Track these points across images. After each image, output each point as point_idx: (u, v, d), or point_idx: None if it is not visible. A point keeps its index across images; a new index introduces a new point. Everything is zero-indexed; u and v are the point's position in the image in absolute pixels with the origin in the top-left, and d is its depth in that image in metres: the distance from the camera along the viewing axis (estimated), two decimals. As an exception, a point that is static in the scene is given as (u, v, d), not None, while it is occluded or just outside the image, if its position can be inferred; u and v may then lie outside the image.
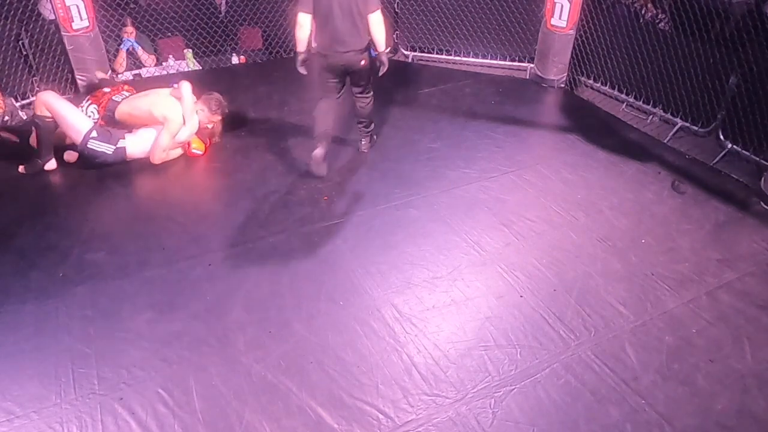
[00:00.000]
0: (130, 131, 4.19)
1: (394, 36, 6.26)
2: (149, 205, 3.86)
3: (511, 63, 6.03)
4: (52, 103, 3.95)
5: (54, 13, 4.94)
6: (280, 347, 2.82)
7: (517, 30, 5.83)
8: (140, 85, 4.70)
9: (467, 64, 6.13)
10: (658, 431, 2.49)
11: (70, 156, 4.16)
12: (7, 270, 3.24)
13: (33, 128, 4.10)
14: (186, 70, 5.87)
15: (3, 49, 4.76)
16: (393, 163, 4.35)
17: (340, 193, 3.99)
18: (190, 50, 5.89)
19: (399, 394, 2.62)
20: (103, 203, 3.86)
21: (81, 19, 5.01)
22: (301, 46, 4.02)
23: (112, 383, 2.62)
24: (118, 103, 4.21)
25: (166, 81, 4.78)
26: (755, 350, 2.88)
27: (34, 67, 5.03)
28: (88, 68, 5.22)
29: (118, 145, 4.09)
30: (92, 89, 4.69)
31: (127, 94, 4.33)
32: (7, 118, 4.71)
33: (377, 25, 3.90)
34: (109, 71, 5.43)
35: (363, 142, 4.53)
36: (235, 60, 6.12)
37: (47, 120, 3.99)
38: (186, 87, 4.18)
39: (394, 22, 6.15)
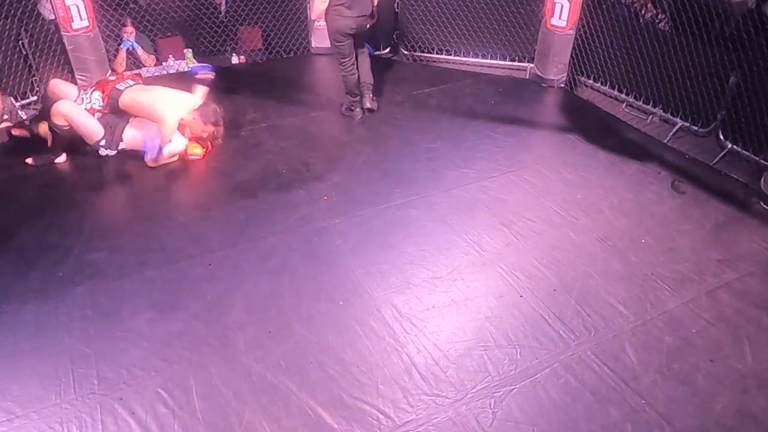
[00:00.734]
0: (130, 122, 4.25)
1: (394, 36, 6.26)
2: (149, 205, 3.86)
3: (511, 63, 6.03)
4: (71, 114, 4.09)
5: (54, 12, 4.94)
6: (280, 347, 2.82)
7: (517, 30, 5.83)
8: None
9: (467, 64, 6.13)
10: (658, 431, 2.49)
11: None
12: (7, 270, 3.25)
13: (50, 134, 4.21)
14: (186, 69, 5.87)
15: (3, 48, 4.76)
16: (393, 163, 4.35)
17: (340, 193, 3.99)
18: (190, 50, 5.89)
19: (399, 394, 2.62)
20: (103, 203, 3.87)
21: (81, 19, 5.02)
22: (316, 14, 4.94)
23: (112, 383, 2.62)
24: (122, 91, 4.23)
25: (167, 81, 4.77)
26: (755, 350, 2.88)
27: (34, 67, 5.03)
28: (88, 68, 5.22)
29: (119, 148, 4.29)
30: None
31: (131, 83, 4.34)
32: (6, 117, 4.71)
33: None
34: (109, 71, 5.43)
35: (370, 98, 4.99)
36: (235, 60, 6.12)
37: (64, 129, 4.12)
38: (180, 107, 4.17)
39: (394, 21, 6.16)
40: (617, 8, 5.36)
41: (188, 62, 5.89)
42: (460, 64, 6.16)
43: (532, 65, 5.86)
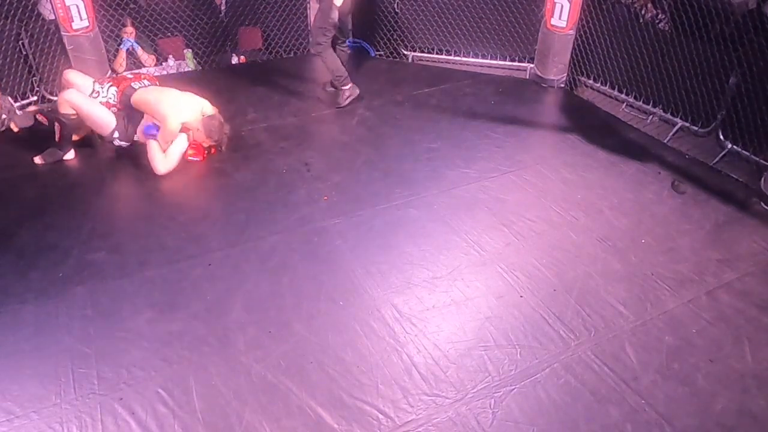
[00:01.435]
0: (146, 117, 4.25)
1: (394, 36, 6.26)
2: (149, 205, 3.86)
3: (511, 63, 6.03)
4: (78, 102, 4.08)
5: (54, 12, 4.94)
6: (280, 347, 2.82)
7: (517, 30, 5.83)
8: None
9: (467, 64, 6.13)
10: (658, 431, 2.49)
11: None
12: (7, 270, 3.24)
13: (57, 125, 4.21)
14: (186, 70, 5.87)
15: (3, 48, 4.76)
16: (393, 163, 4.35)
17: (340, 193, 3.99)
18: (190, 50, 5.89)
19: (399, 394, 2.62)
20: (103, 203, 3.86)
21: (81, 19, 5.01)
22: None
23: (112, 383, 2.62)
24: (135, 90, 4.25)
25: (167, 81, 4.77)
26: (755, 350, 2.88)
27: (34, 67, 5.03)
28: (88, 68, 5.21)
29: (134, 140, 4.29)
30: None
31: (147, 83, 4.35)
32: (4, 116, 4.71)
33: None
34: (109, 71, 5.43)
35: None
36: (235, 60, 6.12)
37: (72, 117, 4.12)
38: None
39: (394, 22, 6.16)
40: (617, 8, 5.36)
41: (188, 62, 5.89)
42: (460, 64, 6.16)
43: (532, 65, 5.86)
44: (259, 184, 4.08)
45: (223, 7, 6.03)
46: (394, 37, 6.23)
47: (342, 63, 5.11)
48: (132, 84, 4.28)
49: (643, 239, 3.62)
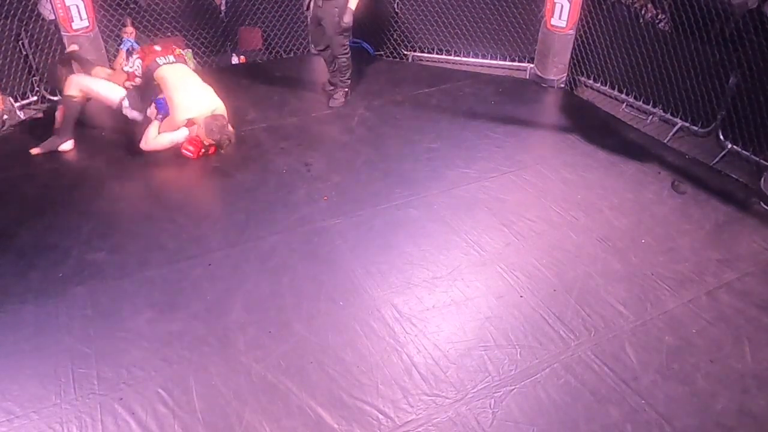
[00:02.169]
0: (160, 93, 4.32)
1: (394, 36, 6.26)
2: (149, 205, 3.86)
3: (510, 63, 6.03)
4: (85, 81, 4.27)
5: (54, 13, 4.94)
6: (280, 347, 2.82)
7: (516, 30, 5.83)
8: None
9: (467, 64, 6.13)
10: (658, 431, 2.49)
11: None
12: (7, 270, 3.25)
13: (59, 110, 4.31)
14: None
15: (3, 48, 4.77)
16: (393, 163, 4.35)
17: (340, 193, 3.99)
18: (190, 50, 5.88)
19: (399, 394, 2.62)
20: (103, 203, 3.86)
21: (81, 19, 5.01)
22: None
23: (112, 383, 2.62)
24: (160, 66, 4.31)
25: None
26: (755, 350, 2.88)
27: (34, 67, 5.03)
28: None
29: (147, 113, 4.36)
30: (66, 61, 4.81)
31: (172, 59, 4.37)
32: (5, 117, 4.72)
33: None
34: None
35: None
36: (235, 60, 6.12)
37: (74, 100, 4.24)
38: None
39: (393, 22, 6.16)
40: (617, 8, 5.35)
41: (188, 62, 5.89)
42: (460, 64, 6.15)
43: (532, 65, 5.86)
44: (259, 184, 4.08)
45: (223, 7, 6.03)
46: (394, 37, 6.23)
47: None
48: (157, 59, 4.34)
49: (643, 239, 3.62)
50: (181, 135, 4.22)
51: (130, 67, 4.37)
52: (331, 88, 5.30)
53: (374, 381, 2.67)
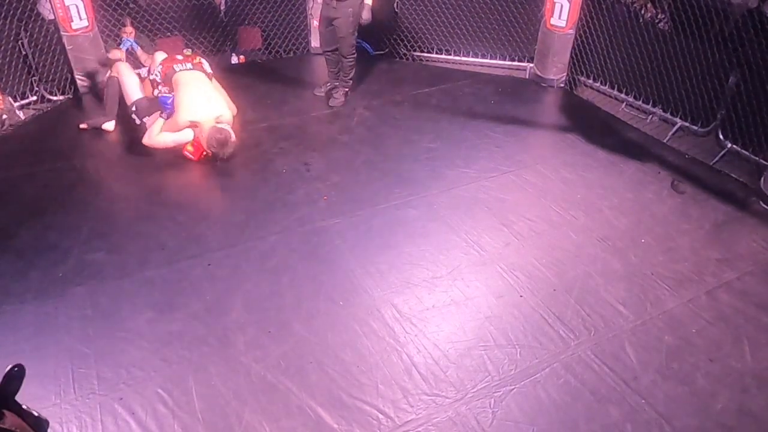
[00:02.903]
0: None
1: (394, 36, 6.26)
2: (149, 205, 3.85)
3: (510, 63, 6.02)
4: (122, 73, 4.57)
5: (53, 12, 4.94)
6: (279, 347, 2.82)
7: (516, 30, 5.83)
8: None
9: (467, 64, 6.13)
10: (657, 431, 2.49)
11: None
12: (7, 270, 3.24)
13: (103, 87, 4.70)
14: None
15: (2, 48, 4.76)
16: (392, 163, 4.35)
17: (340, 192, 3.99)
18: (190, 50, 5.87)
19: (399, 394, 2.62)
20: (103, 203, 3.86)
21: (80, 19, 5.01)
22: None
23: (112, 383, 2.62)
24: (176, 72, 4.39)
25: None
26: (755, 350, 2.88)
27: (34, 67, 5.02)
28: (88, 68, 5.22)
29: (144, 124, 4.47)
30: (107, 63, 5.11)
31: (189, 66, 4.45)
32: (5, 116, 4.72)
33: None
34: (109, 71, 5.43)
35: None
36: (234, 60, 6.11)
37: (101, 83, 4.70)
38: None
39: (393, 21, 6.15)
40: (617, 8, 5.35)
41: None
42: (460, 63, 6.15)
43: (531, 65, 5.86)
44: (259, 184, 4.08)
45: (222, 7, 6.02)
46: (394, 36, 6.22)
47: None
48: (174, 66, 4.43)
49: (642, 239, 3.62)
50: (185, 137, 4.22)
51: (153, 75, 4.49)
52: (324, 88, 5.33)
53: (374, 381, 2.67)
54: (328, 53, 5.14)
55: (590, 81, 5.60)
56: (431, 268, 3.34)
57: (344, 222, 3.70)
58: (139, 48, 5.62)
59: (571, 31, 5.40)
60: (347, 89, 5.22)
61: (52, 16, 5.00)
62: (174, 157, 4.29)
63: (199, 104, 4.18)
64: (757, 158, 4.32)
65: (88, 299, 3.06)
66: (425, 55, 6.25)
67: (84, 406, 2.53)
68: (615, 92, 5.41)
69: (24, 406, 1.30)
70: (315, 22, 6.10)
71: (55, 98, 5.17)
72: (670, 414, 2.56)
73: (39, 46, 4.99)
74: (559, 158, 4.48)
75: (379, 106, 5.19)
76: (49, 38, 5.03)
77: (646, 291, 3.22)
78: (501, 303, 3.12)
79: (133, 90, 4.55)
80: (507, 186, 4.11)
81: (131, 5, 5.63)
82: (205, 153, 4.29)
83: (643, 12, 5.37)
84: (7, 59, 4.81)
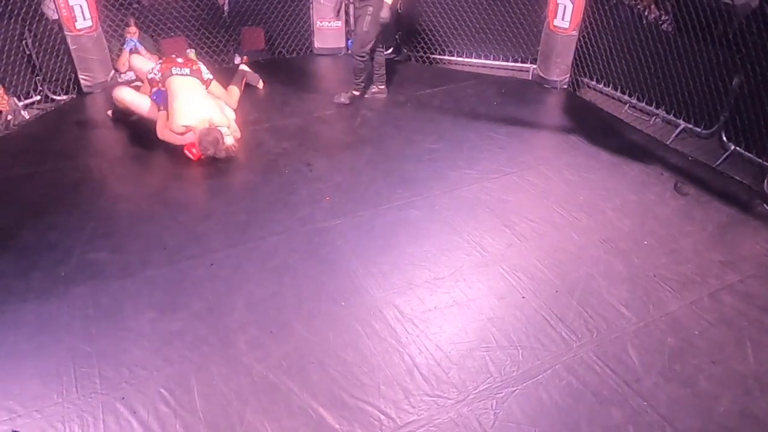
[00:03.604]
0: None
1: (397, 36, 6.26)
2: (151, 205, 3.86)
3: (513, 64, 6.03)
4: (126, 99, 4.57)
5: (57, 12, 4.95)
6: (281, 347, 2.82)
7: (519, 31, 5.83)
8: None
9: (469, 65, 6.13)
10: (660, 433, 2.49)
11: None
12: (9, 269, 3.25)
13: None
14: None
15: (6, 48, 4.78)
16: (395, 164, 4.35)
17: (342, 193, 3.99)
18: (193, 50, 5.89)
19: (400, 395, 2.61)
20: (105, 203, 3.87)
21: (84, 19, 5.03)
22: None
23: (114, 382, 2.63)
24: (172, 75, 4.42)
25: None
26: (757, 352, 2.87)
27: (38, 67, 5.04)
28: (92, 68, 5.23)
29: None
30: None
31: (187, 71, 4.47)
32: (10, 117, 4.73)
33: None
34: (112, 71, 5.44)
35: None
36: (237, 60, 6.12)
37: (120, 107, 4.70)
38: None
39: (396, 23, 6.15)
40: (620, 9, 5.35)
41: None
42: (463, 64, 6.16)
43: (534, 66, 5.86)
44: (261, 184, 4.09)
45: (226, 8, 6.03)
46: (396, 37, 6.22)
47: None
48: (173, 68, 4.45)
49: (645, 241, 3.61)
50: (187, 138, 4.25)
51: (153, 75, 4.49)
52: (343, 98, 5.25)
53: (376, 381, 2.67)
54: (365, 59, 5.10)
55: (593, 82, 5.60)
56: (433, 269, 3.34)
57: (346, 222, 3.70)
58: (142, 48, 5.63)
59: (575, 33, 5.40)
60: (382, 84, 5.38)
61: (56, 16, 5.01)
62: (176, 156, 4.30)
63: (189, 110, 4.21)
64: (760, 160, 4.31)
65: (90, 299, 3.07)
66: (428, 56, 6.25)
67: (86, 406, 2.53)
68: (618, 94, 5.40)
69: None
70: (318, 23, 6.12)
71: (58, 98, 5.19)
72: (673, 416, 2.55)
73: (43, 46, 5.01)
74: (561, 159, 4.48)
75: (382, 107, 5.19)
76: (53, 38, 5.05)
77: (648, 293, 3.21)
78: (503, 304, 3.12)
79: (142, 103, 4.54)
80: (509, 187, 4.10)
81: (135, 5, 5.65)
82: (199, 153, 4.31)
83: (646, 13, 5.37)
84: (12, 59, 4.83)
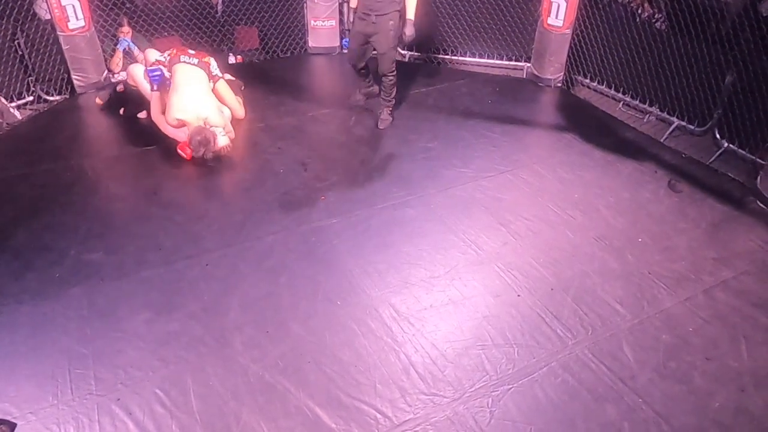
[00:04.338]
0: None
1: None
2: (146, 205, 3.85)
3: (507, 62, 6.03)
4: (135, 75, 4.72)
5: (50, 12, 4.93)
6: (277, 347, 2.82)
7: (513, 29, 5.83)
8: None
9: (464, 64, 6.13)
10: (655, 430, 2.50)
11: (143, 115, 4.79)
12: (4, 271, 3.23)
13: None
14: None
15: (-1, 49, 4.76)
16: (390, 163, 4.35)
17: (337, 192, 3.99)
18: (192, 51, 5.87)
19: (397, 394, 2.62)
20: (100, 203, 3.85)
21: (77, 19, 5.00)
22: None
23: (109, 384, 2.62)
24: (179, 62, 4.42)
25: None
26: (751, 348, 2.89)
27: (30, 67, 5.01)
28: (85, 68, 5.21)
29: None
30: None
31: (195, 61, 4.48)
32: (0, 120, 4.70)
33: None
34: (105, 71, 5.42)
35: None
36: (231, 60, 6.11)
37: (133, 87, 4.77)
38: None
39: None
40: (614, 8, 5.36)
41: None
42: (457, 63, 6.16)
43: (528, 65, 5.87)
44: (256, 184, 4.08)
45: (219, 7, 6.01)
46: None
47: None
48: (182, 56, 4.46)
49: (639, 238, 3.63)
50: (180, 133, 4.24)
51: (162, 57, 4.52)
52: (358, 95, 5.02)
53: (372, 380, 2.67)
54: (362, 70, 4.78)
55: (587, 80, 5.61)
56: (429, 268, 3.34)
57: (342, 222, 3.70)
58: (136, 48, 5.61)
59: (568, 31, 5.40)
60: (391, 108, 4.87)
61: (48, 16, 4.98)
62: (171, 156, 4.28)
63: (187, 104, 4.19)
64: (753, 157, 4.33)
65: (86, 300, 3.06)
66: (422, 54, 6.25)
67: (81, 407, 2.52)
68: (612, 92, 5.42)
69: None
70: (312, 22, 6.11)
71: (51, 98, 5.16)
72: (668, 413, 2.56)
73: (35, 46, 4.98)
74: (556, 158, 4.49)
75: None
76: (45, 38, 5.01)
77: (643, 290, 3.23)
78: (498, 302, 3.13)
79: (146, 89, 4.59)
80: (504, 185, 4.11)
81: (128, 5, 5.62)
82: (191, 153, 4.30)
83: (640, 12, 5.38)
84: (4, 59, 4.80)
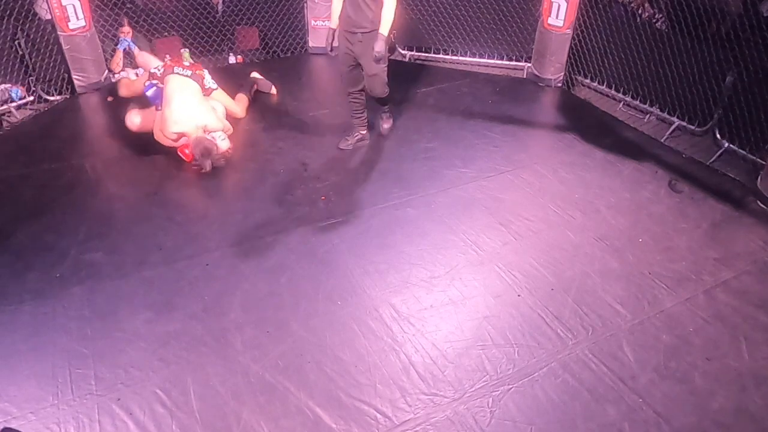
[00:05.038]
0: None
1: (392, 35, 6.25)
2: (146, 205, 3.85)
3: (508, 62, 6.03)
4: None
5: (50, 12, 4.93)
6: (278, 347, 2.82)
7: (514, 29, 5.83)
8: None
9: (464, 64, 6.13)
10: (655, 430, 2.50)
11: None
12: (4, 270, 3.24)
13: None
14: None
15: (-1, 49, 4.76)
16: (391, 163, 4.35)
17: (338, 192, 3.99)
18: (187, 50, 5.87)
19: (397, 394, 2.62)
20: (101, 203, 3.86)
21: (77, 19, 5.00)
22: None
23: (110, 383, 2.62)
24: (173, 73, 4.41)
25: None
26: (752, 349, 2.88)
27: (30, 67, 5.01)
28: (85, 68, 5.21)
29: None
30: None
31: (189, 73, 4.46)
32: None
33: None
34: (105, 71, 5.42)
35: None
36: (232, 60, 6.11)
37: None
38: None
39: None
40: (614, 8, 5.37)
41: (185, 62, 5.88)
42: (458, 63, 6.16)
43: (529, 65, 5.86)
44: (257, 184, 4.08)
45: (220, 7, 6.01)
46: (392, 36, 6.21)
47: None
48: (176, 67, 4.45)
49: (640, 238, 3.63)
50: (183, 142, 4.24)
51: (156, 70, 4.51)
52: (351, 139, 4.56)
53: (372, 380, 2.67)
54: (355, 94, 4.36)
55: (588, 80, 5.61)
56: (429, 268, 3.34)
57: (342, 222, 3.70)
58: (136, 48, 5.61)
59: (569, 31, 5.40)
60: (390, 113, 4.73)
61: (48, 16, 4.98)
62: (171, 157, 4.28)
63: (181, 115, 4.17)
64: (754, 157, 4.33)
65: (86, 300, 3.06)
66: (422, 54, 6.25)
67: (81, 407, 2.52)
68: (612, 92, 5.42)
69: None
70: (313, 22, 6.11)
71: (52, 98, 5.16)
72: (668, 413, 2.56)
73: (36, 46, 4.98)
74: (556, 158, 4.49)
75: (377, 106, 5.18)
76: (46, 38, 5.01)
77: (643, 290, 3.23)
78: (499, 302, 3.13)
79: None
80: (505, 186, 4.11)
81: (128, 5, 5.62)
82: (191, 157, 4.30)
83: (640, 12, 5.38)
84: (4, 59, 4.80)
